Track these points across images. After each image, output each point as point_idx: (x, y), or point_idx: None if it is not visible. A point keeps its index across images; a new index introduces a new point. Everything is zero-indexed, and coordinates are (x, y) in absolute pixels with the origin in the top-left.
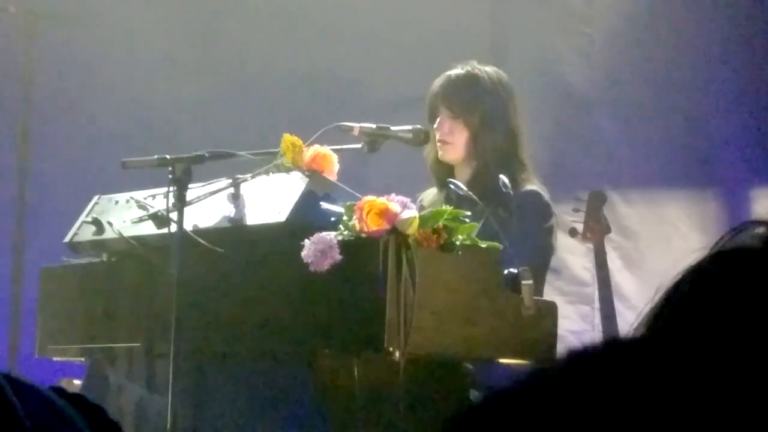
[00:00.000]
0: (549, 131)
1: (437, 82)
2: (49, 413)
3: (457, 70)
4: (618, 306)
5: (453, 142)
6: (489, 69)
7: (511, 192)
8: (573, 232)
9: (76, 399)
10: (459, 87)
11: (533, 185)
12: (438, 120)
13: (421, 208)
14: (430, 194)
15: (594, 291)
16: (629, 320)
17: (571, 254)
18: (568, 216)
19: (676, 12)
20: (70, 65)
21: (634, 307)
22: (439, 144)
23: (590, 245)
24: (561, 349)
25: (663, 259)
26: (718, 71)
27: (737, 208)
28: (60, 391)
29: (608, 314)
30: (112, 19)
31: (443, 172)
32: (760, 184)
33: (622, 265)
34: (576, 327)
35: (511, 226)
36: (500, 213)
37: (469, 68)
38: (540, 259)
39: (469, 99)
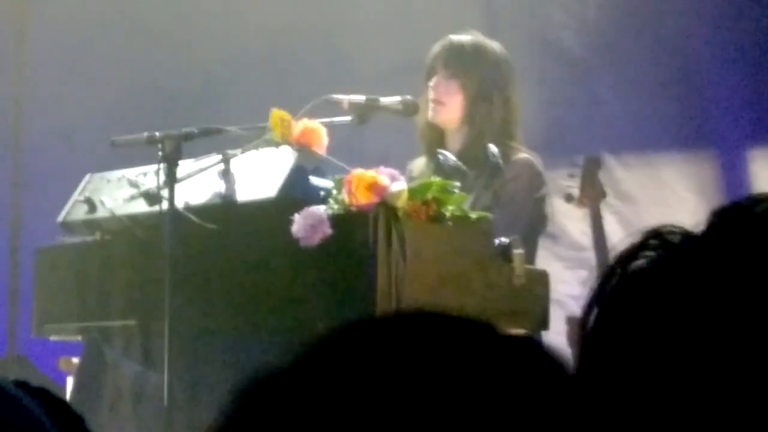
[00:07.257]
0: (544, 96)
1: (440, 43)
2: (12, 411)
3: (462, 36)
4: None
5: (446, 103)
6: (495, 44)
7: (500, 161)
8: (569, 198)
9: (40, 394)
10: (462, 49)
11: (524, 153)
12: (434, 79)
13: (410, 178)
14: (420, 164)
15: (592, 255)
16: None
17: (569, 219)
18: (563, 181)
19: None
20: (62, 41)
21: None
22: (432, 104)
23: (587, 210)
24: (558, 314)
25: (661, 222)
26: (714, 33)
27: (734, 169)
28: (24, 386)
29: None
30: None
31: (434, 137)
32: (756, 145)
33: (620, 229)
34: (575, 292)
35: (502, 196)
36: (490, 182)
37: (474, 36)
38: (531, 228)
39: (471, 62)
